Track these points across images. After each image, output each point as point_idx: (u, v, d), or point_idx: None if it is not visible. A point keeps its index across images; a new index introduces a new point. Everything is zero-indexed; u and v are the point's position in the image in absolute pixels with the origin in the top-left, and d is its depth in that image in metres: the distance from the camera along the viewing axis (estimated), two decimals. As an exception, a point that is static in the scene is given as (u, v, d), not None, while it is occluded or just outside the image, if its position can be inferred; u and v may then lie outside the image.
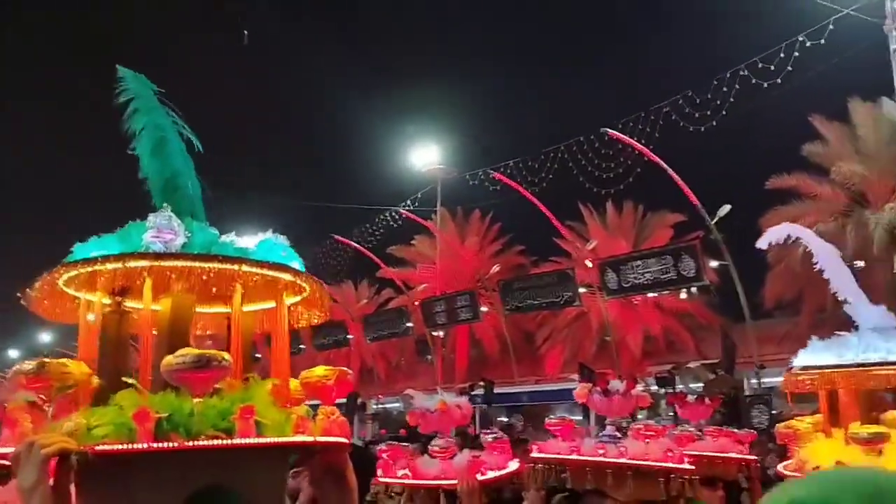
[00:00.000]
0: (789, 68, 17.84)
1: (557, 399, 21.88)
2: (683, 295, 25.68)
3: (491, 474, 4.00)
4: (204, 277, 1.98)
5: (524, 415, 18.53)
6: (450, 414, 4.31)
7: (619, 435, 3.98)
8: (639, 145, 19.86)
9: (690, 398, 5.72)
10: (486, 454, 4.15)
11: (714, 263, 20.03)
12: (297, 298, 2.27)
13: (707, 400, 5.81)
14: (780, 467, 4.34)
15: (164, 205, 2.04)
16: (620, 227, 26.85)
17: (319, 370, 2.16)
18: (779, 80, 18.14)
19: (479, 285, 27.37)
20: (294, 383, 2.25)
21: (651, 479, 3.81)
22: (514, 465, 4.17)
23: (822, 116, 22.54)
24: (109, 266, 1.99)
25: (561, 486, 3.91)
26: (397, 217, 29.35)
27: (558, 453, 3.91)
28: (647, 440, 3.96)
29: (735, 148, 26.51)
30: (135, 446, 1.75)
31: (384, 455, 4.21)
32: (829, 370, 4.28)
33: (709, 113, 19.69)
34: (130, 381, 1.91)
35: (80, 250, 2.10)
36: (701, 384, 18.06)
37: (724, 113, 19.41)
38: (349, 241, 29.54)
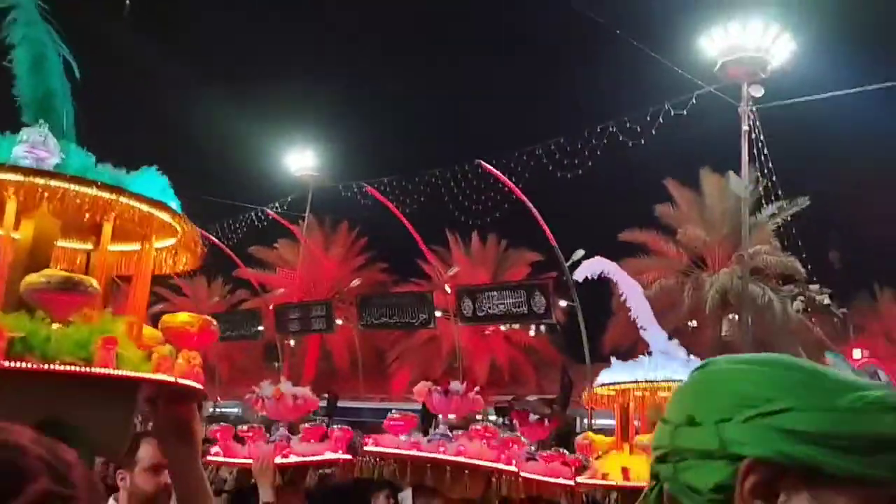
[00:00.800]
0: (653, 132, 19.26)
1: (400, 418, 21.94)
2: (532, 332, 26.75)
3: (294, 458, 4.03)
4: (78, 201, 1.87)
5: (365, 431, 18.44)
6: (284, 402, 4.32)
7: (450, 434, 4.13)
8: (509, 182, 20.61)
9: (533, 417, 5.98)
10: (297, 441, 4.19)
11: (563, 304, 21.01)
12: (169, 242, 2.21)
13: (546, 422, 6.11)
14: (579, 479, 4.66)
15: (41, 121, 1.93)
16: (482, 258, 27.64)
17: (182, 316, 2.10)
18: (643, 141, 19.51)
19: (336, 297, 27.14)
20: (151, 331, 2.18)
21: (482, 478, 3.97)
22: (328, 454, 4.22)
23: (675, 181, 24.45)
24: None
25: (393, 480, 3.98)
26: (263, 217, 28.59)
27: (396, 448, 3.97)
28: (483, 440, 4.14)
29: (596, 198, 28.07)
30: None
31: (216, 435, 4.28)
32: (623, 386, 4.97)
33: (577, 162, 20.76)
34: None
35: None
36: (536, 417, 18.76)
37: (590, 164, 20.54)
38: (208, 235, 28.32)
